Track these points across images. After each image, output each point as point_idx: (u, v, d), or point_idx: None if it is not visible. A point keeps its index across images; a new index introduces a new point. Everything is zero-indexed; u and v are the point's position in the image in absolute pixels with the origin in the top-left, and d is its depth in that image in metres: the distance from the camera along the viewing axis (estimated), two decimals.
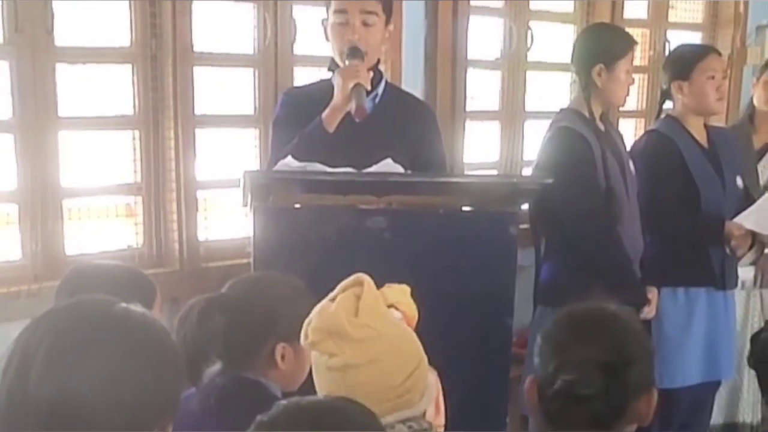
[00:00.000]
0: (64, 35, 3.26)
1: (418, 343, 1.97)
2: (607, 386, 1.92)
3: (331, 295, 1.95)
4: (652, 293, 3.72)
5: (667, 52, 4.85)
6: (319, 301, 1.95)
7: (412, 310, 2.17)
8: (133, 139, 3.49)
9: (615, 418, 1.96)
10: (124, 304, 1.56)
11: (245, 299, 2.28)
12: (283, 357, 2.25)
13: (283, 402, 1.53)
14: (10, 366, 1.47)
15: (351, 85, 2.95)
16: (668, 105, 4.06)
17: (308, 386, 2.22)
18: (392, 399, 1.85)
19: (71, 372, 1.44)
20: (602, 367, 1.93)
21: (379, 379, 1.84)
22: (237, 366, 2.25)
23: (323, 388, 1.89)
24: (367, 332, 1.85)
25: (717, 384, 4.09)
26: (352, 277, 1.96)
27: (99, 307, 1.55)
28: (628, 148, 3.92)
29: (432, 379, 2.18)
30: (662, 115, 4.07)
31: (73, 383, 1.43)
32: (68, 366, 1.44)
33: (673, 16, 5.21)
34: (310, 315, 1.91)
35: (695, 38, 5.29)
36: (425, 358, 1.96)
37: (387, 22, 3.16)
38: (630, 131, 5.00)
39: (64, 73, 3.30)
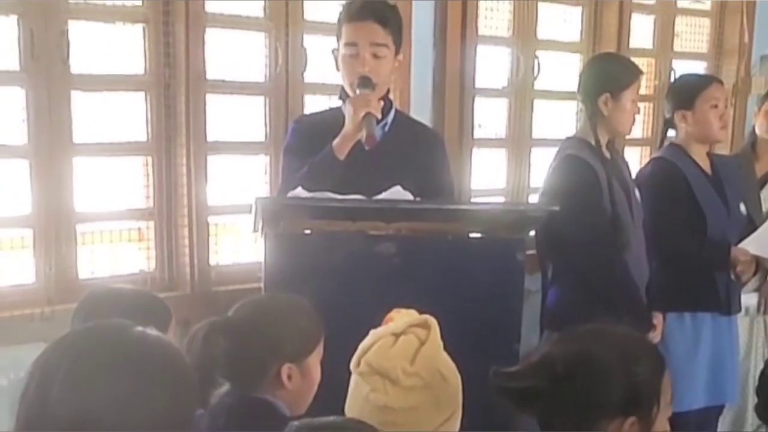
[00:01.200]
0: (79, 63, 3.30)
1: (459, 392, 2.00)
2: (548, 388, 1.92)
3: (395, 327, 1.97)
4: (658, 319, 3.76)
5: (672, 81, 4.90)
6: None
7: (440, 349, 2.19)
8: (146, 165, 3.53)
9: (576, 427, 1.93)
10: (140, 328, 1.59)
11: (249, 322, 2.31)
12: (289, 377, 2.27)
13: (296, 423, 1.57)
14: (30, 387, 1.50)
15: (362, 114, 3.00)
16: (671, 133, 4.10)
17: (315, 407, 2.27)
18: None
19: (90, 394, 1.46)
20: (547, 369, 1.94)
21: (411, 425, 1.87)
22: (244, 387, 2.28)
23: (353, 413, 1.91)
24: (417, 382, 1.88)
25: (721, 408, 4.11)
26: (421, 317, 1.99)
27: (116, 331, 1.58)
28: (634, 176, 3.96)
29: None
30: (666, 144, 4.11)
31: (91, 405, 1.45)
32: (87, 388, 1.47)
33: (678, 46, 5.25)
34: (368, 340, 1.93)
35: (700, 68, 5.32)
36: (460, 406, 1.99)
37: (396, 53, 3.21)
38: (635, 159, 5.03)
39: (79, 100, 3.34)
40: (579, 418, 1.93)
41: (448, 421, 1.92)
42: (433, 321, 1.97)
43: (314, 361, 2.34)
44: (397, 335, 1.94)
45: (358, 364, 1.90)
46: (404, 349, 1.89)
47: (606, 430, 1.92)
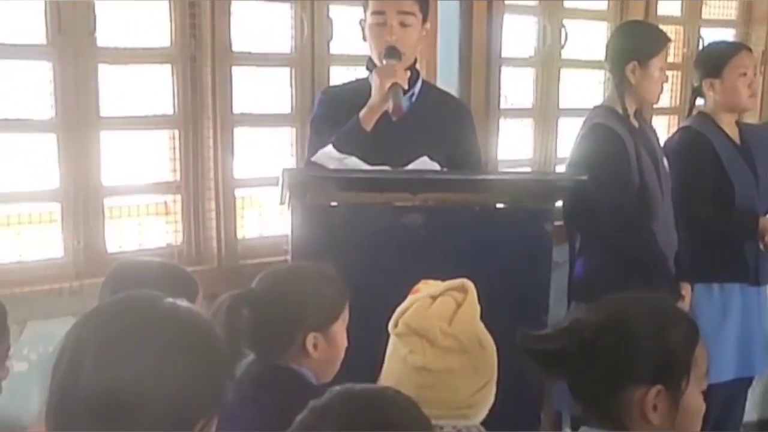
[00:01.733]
0: (105, 36, 3.30)
1: (495, 360, 2.00)
2: (575, 352, 1.91)
3: (432, 291, 1.98)
4: (686, 289, 3.74)
5: (700, 49, 4.86)
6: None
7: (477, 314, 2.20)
8: (173, 138, 3.53)
9: (595, 396, 1.93)
10: (170, 299, 1.59)
11: (272, 293, 2.31)
12: (315, 346, 2.28)
13: (336, 388, 1.57)
14: (62, 359, 1.51)
15: (389, 84, 3.00)
16: (700, 102, 4.06)
17: (344, 375, 2.28)
18: (452, 410, 1.89)
19: (121, 364, 1.46)
20: (576, 332, 1.92)
21: (448, 389, 1.88)
22: (270, 357, 2.29)
23: (393, 377, 1.92)
24: (453, 344, 1.89)
25: (750, 380, 4.10)
26: (458, 281, 1.99)
27: (147, 302, 1.59)
28: (662, 145, 3.94)
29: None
30: (694, 112, 4.08)
31: (123, 375, 1.45)
32: (118, 359, 1.47)
33: (706, 13, 5.18)
34: (407, 302, 1.94)
35: (729, 35, 5.25)
36: (495, 375, 1.99)
37: (423, 21, 3.19)
38: (663, 128, 4.99)
39: (106, 73, 3.34)
40: (605, 384, 1.91)
41: (483, 388, 1.93)
42: (470, 284, 1.98)
43: (339, 329, 2.33)
44: (434, 297, 1.95)
45: (396, 324, 1.91)
46: (442, 311, 1.90)
47: (632, 398, 1.88)
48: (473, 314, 1.95)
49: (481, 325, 2.01)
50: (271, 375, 2.27)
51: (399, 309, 1.93)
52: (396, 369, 1.92)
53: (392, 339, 1.95)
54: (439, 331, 1.86)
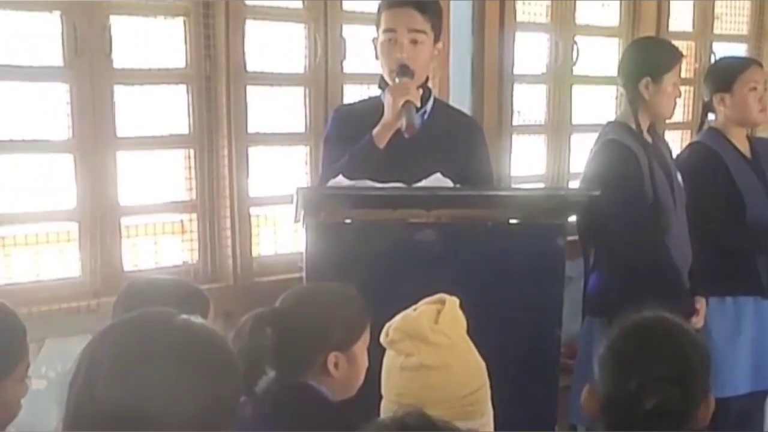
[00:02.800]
0: (121, 58, 3.34)
1: (485, 369, 2.03)
2: (675, 397, 1.97)
3: (414, 307, 2.02)
4: (701, 303, 3.74)
5: (711, 64, 4.87)
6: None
7: (461, 321, 2.23)
8: (188, 157, 3.56)
9: (678, 426, 2.00)
10: (185, 316, 1.61)
11: (295, 312, 2.34)
12: (336, 365, 2.30)
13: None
14: (78, 375, 1.53)
15: (401, 102, 3.02)
16: (711, 117, 4.07)
17: (363, 393, 2.30)
18: (457, 407, 1.91)
19: (136, 381, 1.48)
20: (672, 380, 1.99)
21: (449, 385, 1.91)
22: (291, 376, 2.31)
23: (393, 389, 1.96)
24: (444, 339, 1.93)
25: (765, 393, 4.09)
26: (436, 296, 2.04)
27: (161, 319, 1.60)
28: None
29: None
30: (705, 127, 4.09)
31: (137, 392, 1.47)
32: (133, 376, 1.49)
33: (718, 28, 5.20)
34: (394, 319, 1.98)
35: (740, 50, 5.27)
36: (488, 384, 2.02)
37: (435, 40, 3.21)
38: (676, 143, 5.00)
39: (122, 94, 3.38)
40: (693, 407, 2.05)
41: (480, 389, 1.97)
42: (447, 296, 2.01)
43: (361, 349, 2.36)
44: (416, 309, 2.00)
45: (387, 334, 1.96)
46: (426, 314, 1.97)
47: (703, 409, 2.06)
48: (455, 317, 1.99)
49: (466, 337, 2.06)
50: (291, 392, 2.29)
51: (386, 325, 1.98)
52: (395, 379, 1.95)
53: (387, 356, 1.99)
54: (428, 328, 1.91)
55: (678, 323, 2.10)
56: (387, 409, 1.94)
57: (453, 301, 2.02)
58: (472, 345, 2.03)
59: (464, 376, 1.94)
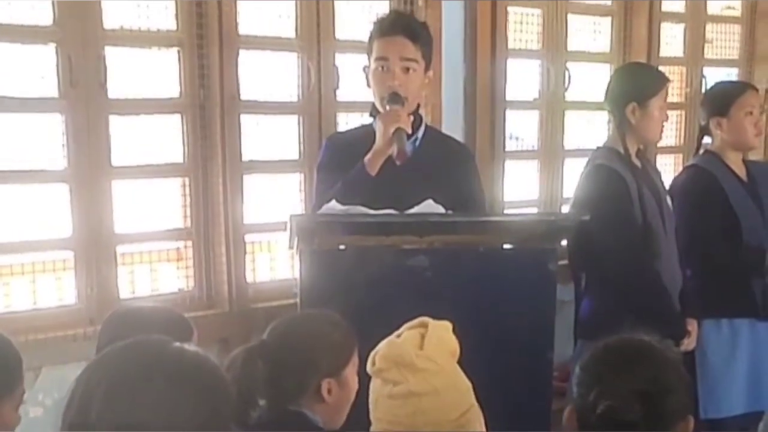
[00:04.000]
0: (116, 88, 3.37)
1: (471, 389, 2.06)
2: (645, 413, 1.98)
3: (397, 333, 2.04)
4: (692, 325, 3.76)
5: (703, 89, 4.91)
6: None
7: (454, 346, 2.26)
8: (183, 185, 3.60)
9: None
10: (177, 344, 1.64)
11: (286, 343, 2.37)
12: (329, 391, 2.33)
13: None
14: (72, 403, 1.55)
15: (392, 129, 3.04)
16: (707, 140, 4.10)
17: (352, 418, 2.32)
18: (449, 430, 1.93)
19: (130, 407, 1.50)
20: (640, 395, 1.99)
21: (439, 410, 1.93)
22: (283, 403, 2.33)
23: (384, 417, 1.97)
24: (431, 365, 1.95)
25: (761, 414, 4.09)
26: (416, 320, 2.06)
27: (155, 346, 1.63)
28: (668, 184, 3.98)
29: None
30: (701, 151, 4.12)
31: (131, 418, 1.49)
32: (127, 402, 1.51)
33: (709, 53, 5.25)
34: (378, 346, 2.00)
35: (732, 74, 5.32)
36: (476, 404, 2.04)
37: (426, 68, 3.24)
38: (668, 167, 5.04)
39: (117, 124, 3.41)
40: (667, 427, 2.02)
41: (469, 411, 1.98)
42: (430, 320, 2.04)
43: (351, 372, 2.39)
44: (399, 335, 2.01)
45: (374, 363, 1.97)
46: (410, 340, 1.97)
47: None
48: (440, 340, 2.00)
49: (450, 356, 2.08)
50: (284, 421, 2.31)
51: (371, 353, 2.00)
52: (384, 408, 1.96)
53: (373, 385, 2.00)
54: (414, 354, 1.92)
55: (650, 344, 2.11)
56: None
57: (435, 325, 2.03)
58: (457, 366, 2.05)
59: (454, 399, 1.96)
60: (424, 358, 1.94)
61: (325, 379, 2.33)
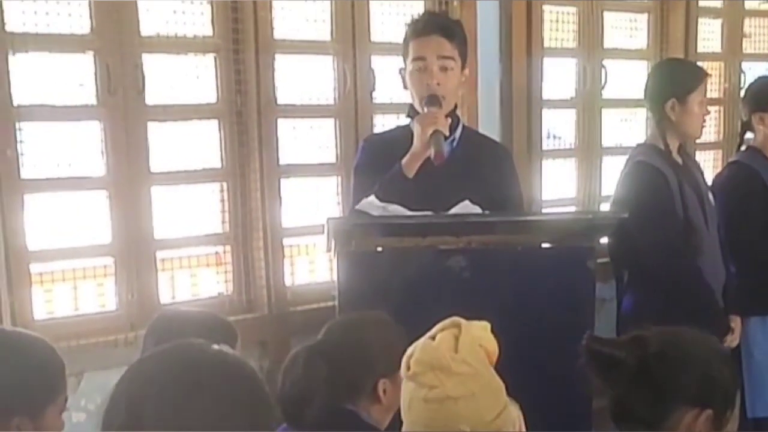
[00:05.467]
0: (154, 95, 3.40)
1: (504, 389, 2.05)
2: (635, 363, 1.99)
3: (430, 333, 2.04)
4: (736, 322, 3.73)
5: (742, 84, 4.87)
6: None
7: (493, 346, 2.25)
8: (221, 190, 3.62)
9: (648, 414, 2.00)
10: (217, 347, 1.65)
11: (344, 343, 2.40)
12: (384, 391, 2.35)
13: None
14: (117, 409, 1.55)
15: (430, 131, 3.04)
16: (749, 135, 4.06)
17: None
18: None
19: (181, 413, 1.50)
20: (635, 341, 2.02)
21: (475, 413, 1.92)
22: (341, 404, 2.36)
23: (418, 421, 1.96)
24: (466, 368, 1.94)
25: None
26: (448, 320, 2.05)
27: (197, 351, 1.64)
28: (710, 180, 3.95)
29: (515, 413, 2.25)
30: (743, 147, 4.08)
31: (182, 423, 1.50)
32: (179, 407, 1.51)
33: (747, 48, 5.20)
34: (411, 349, 2.00)
35: None
36: (510, 405, 2.04)
37: (462, 67, 3.24)
38: (708, 163, 5.00)
39: (155, 130, 3.44)
40: (659, 400, 2.00)
41: (504, 411, 1.97)
42: (462, 320, 2.03)
43: None
44: (432, 337, 2.00)
45: (409, 367, 1.96)
46: (445, 341, 1.96)
47: (683, 418, 1.99)
48: (473, 342, 1.99)
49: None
50: (339, 421, 2.33)
51: (405, 355, 1.99)
52: (420, 413, 1.95)
53: (407, 387, 1.99)
54: (450, 358, 1.91)
55: (697, 333, 2.11)
56: None
57: (468, 325, 2.03)
58: (490, 367, 2.04)
59: (489, 401, 1.95)
60: (459, 362, 1.93)
61: (381, 380, 2.35)
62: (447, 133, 3.11)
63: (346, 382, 2.35)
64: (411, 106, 3.28)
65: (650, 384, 2.00)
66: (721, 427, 1.99)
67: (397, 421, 2.36)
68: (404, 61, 3.26)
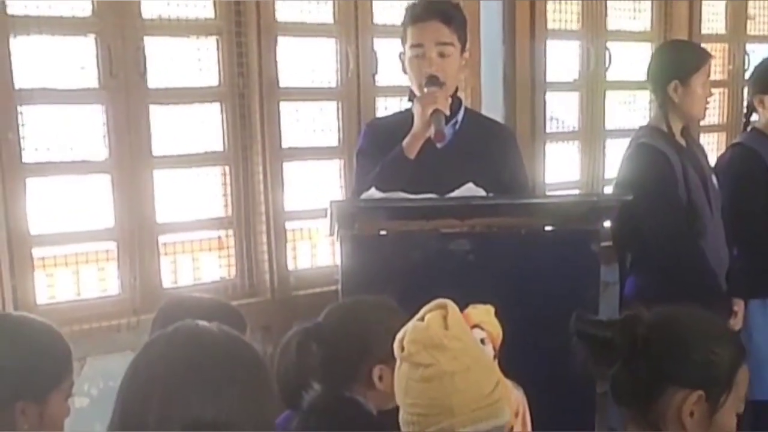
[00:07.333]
0: (155, 78, 3.39)
1: (496, 365, 2.06)
2: (625, 342, 1.98)
3: (418, 316, 2.04)
4: (739, 305, 3.73)
5: (746, 65, 4.85)
6: (412, 317, 2.05)
7: (496, 329, 2.26)
8: (224, 174, 3.61)
9: (640, 393, 1.99)
10: (223, 328, 1.66)
11: (341, 327, 2.37)
12: (380, 378, 2.33)
13: None
14: (131, 388, 1.58)
15: (430, 111, 3.02)
16: (755, 117, 4.05)
17: None
18: (485, 406, 1.93)
19: (193, 394, 1.53)
20: (624, 323, 2.00)
21: (473, 386, 1.93)
22: (337, 389, 2.34)
23: (416, 402, 1.96)
24: (458, 344, 1.95)
25: None
26: (434, 302, 2.05)
27: (204, 332, 1.65)
28: (713, 163, 3.93)
29: (518, 395, 2.25)
30: (749, 128, 4.07)
31: (195, 404, 1.52)
32: (189, 388, 1.53)
33: (752, 29, 5.18)
34: (402, 332, 2.00)
35: None
36: (503, 379, 2.04)
37: (462, 50, 3.22)
38: (712, 145, 4.98)
39: (157, 113, 3.42)
40: (649, 381, 1.98)
41: (499, 384, 1.98)
42: (448, 301, 2.03)
43: None
44: (421, 318, 2.01)
45: (403, 348, 1.96)
46: (434, 321, 1.97)
47: (672, 399, 1.96)
48: (461, 320, 2.01)
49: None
50: (336, 406, 2.32)
51: (396, 338, 1.99)
52: (417, 392, 1.95)
53: (401, 371, 1.99)
54: (442, 335, 1.92)
55: (690, 313, 2.10)
56: (408, 422, 1.96)
57: (452, 305, 2.03)
58: (480, 343, 2.05)
59: (484, 374, 1.97)
60: (451, 337, 1.95)
61: (377, 366, 2.32)
62: (447, 112, 3.09)
63: (339, 366, 2.33)
64: (411, 90, 3.26)
65: (638, 365, 1.98)
66: (716, 410, 1.97)
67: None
68: (402, 45, 3.24)
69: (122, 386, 1.59)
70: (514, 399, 2.23)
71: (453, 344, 1.94)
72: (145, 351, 1.62)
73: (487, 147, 3.25)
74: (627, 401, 2.04)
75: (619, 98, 4.78)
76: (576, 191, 4.57)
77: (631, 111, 4.83)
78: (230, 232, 3.64)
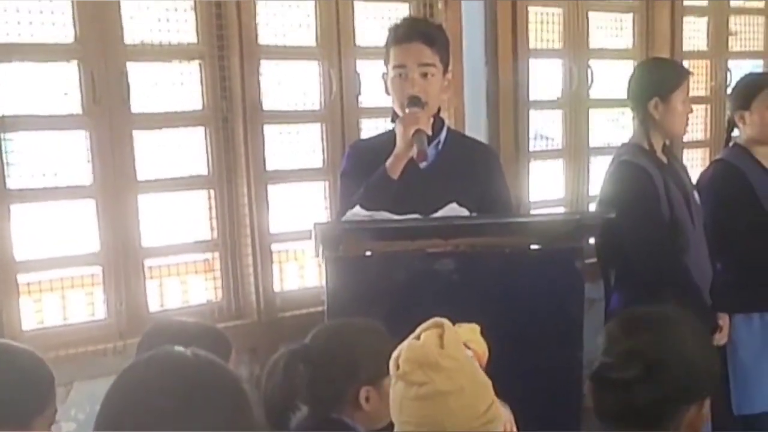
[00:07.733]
0: (139, 103, 3.39)
1: (491, 385, 2.06)
2: (641, 377, 2.01)
3: (414, 334, 2.05)
4: (723, 320, 3.75)
5: (728, 81, 4.88)
6: (398, 340, 2.05)
7: (482, 348, 2.25)
8: (209, 197, 3.61)
9: (656, 418, 2.03)
10: (199, 353, 1.65)
11: (328, 349, 2.39)
12: (367, 399, 2.34)
13: None
14: (106, 416, 1.58)
15: (411, 131, 3.03)
16: (736, 133, 4.06)
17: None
18: (478, 426, 1.93)
19: (162, 421, 1.51)
20: (636, 356, 2.03)
21: (466, 406, 1.93)
22: (324, 410, 2.35)
23: (411, 419, 1.97)
24: (454, 363, 1.95)
25: None
26: (430, 321, 2.06)
27: (181, 358, 1.64)
28: (694, 178, 3.95)
29: (506, 413, 2.25)
30: (731, 144, 4.09)
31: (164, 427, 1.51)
32: (160, 415, 1.52)
33: (733, 45, 5.21)
34: (397, 350, 2.01)
35: (757, 66, 5.28)
36: (497, 401, 2.05)
37: (445, 72, 3.24)
38: (695, 161, 5.01)
39: (141, 138, 3.43)
40: (668, 402, 2.04)
41: (493, 404, 1.98)
42: (444, 320, 2.04)
43: (390, 382, 2.39)
44: (417, 337, 2.02)
45: (397, 367, 1.97)
46: (430, 340, 1.97)
47: (688, 414, 2.06)
48: (457, 339, 2.01)
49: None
50: (323, 427, 2.33)
51: (392, 357, 2.00)
52: (411, 411, 1.96)
53: (396, 389, 1.99)
54: (437, 354, 1.93)
55: (670, 315, 2.14)
56: None
57: (448, 324, 2.04)
58: (476, 362, 2.05)
59: (478, 394, 1.96)
60: (446, 357, 1.95)
61: (364, 387, 2.34)
62: (429, 132, 3.10)
63: (326, 387, 2.34)
64: (394, 111, 3.27)
65: (660, 389, 2.03)
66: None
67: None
68: (386, 66, 3.26)
69: (99, 414, 1.59)
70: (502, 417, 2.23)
71: (448, 363, 1.94)
72: (120, 378, 1.62)
73: (470, 167, 3.26)
74: (631, 424, 2.06)
75: (606, 115, 4.80)
76: (561, 209, 4.58)
77: (618, 128, 4.85)
78: (216, 254, 3.65)
